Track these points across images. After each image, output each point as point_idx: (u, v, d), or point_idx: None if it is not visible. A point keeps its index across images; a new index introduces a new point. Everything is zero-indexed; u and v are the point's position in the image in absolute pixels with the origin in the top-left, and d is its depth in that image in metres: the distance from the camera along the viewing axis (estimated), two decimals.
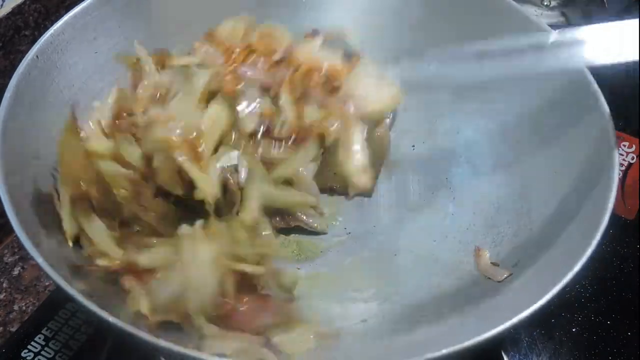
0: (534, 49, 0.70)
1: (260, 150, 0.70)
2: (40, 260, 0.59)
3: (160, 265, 0.64)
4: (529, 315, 0.59)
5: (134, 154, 0.68)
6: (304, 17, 0.94)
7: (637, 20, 0.66)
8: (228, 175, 0.68)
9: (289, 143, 0.71)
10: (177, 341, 0.59)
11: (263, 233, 0.69)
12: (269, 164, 0.71)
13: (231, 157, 0.69)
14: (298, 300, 0.71)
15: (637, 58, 0.64)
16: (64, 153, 0.69)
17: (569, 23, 1.13)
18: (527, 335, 0.89)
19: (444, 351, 0.56)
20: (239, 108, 0.69)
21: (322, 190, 0.81)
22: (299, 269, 0.81)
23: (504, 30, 0.83)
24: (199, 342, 0.62)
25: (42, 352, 0.83)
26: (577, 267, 0.62)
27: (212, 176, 0.67)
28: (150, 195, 0.68)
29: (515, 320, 0.58)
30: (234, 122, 0.70)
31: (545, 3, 1.14)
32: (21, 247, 0.60)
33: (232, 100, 0.70)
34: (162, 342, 0.56)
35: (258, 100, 0.70)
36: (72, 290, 0.58)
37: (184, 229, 0.65)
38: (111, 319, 0.56)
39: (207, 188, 0.66)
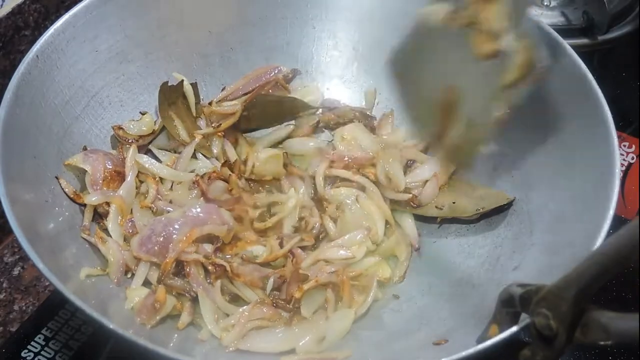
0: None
1: None
2: (40, 265, 0.60)
3: None
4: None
5: None
6: (306, 15, 0.94)
7: None
8: None
9: None
10: (177, 349, 0.60)
11: None
12: None
13: None
14: None
15: None
16: None
17: (569, 23, 1.12)
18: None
19: None
20: None
21: None
22: None
23: None
24: None
25: (42, 352, 0.83)
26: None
27: None
28: None
29: (514, 328, 0.58)
30: None
31: (545, 3, 1.14)
32: (21, 247, 0.60)
33: None
34: (161, 349, 0.56)
35: None
36: (70, 293, 0.58)
37: None
38: (112, 325, 0.57)
39: None
